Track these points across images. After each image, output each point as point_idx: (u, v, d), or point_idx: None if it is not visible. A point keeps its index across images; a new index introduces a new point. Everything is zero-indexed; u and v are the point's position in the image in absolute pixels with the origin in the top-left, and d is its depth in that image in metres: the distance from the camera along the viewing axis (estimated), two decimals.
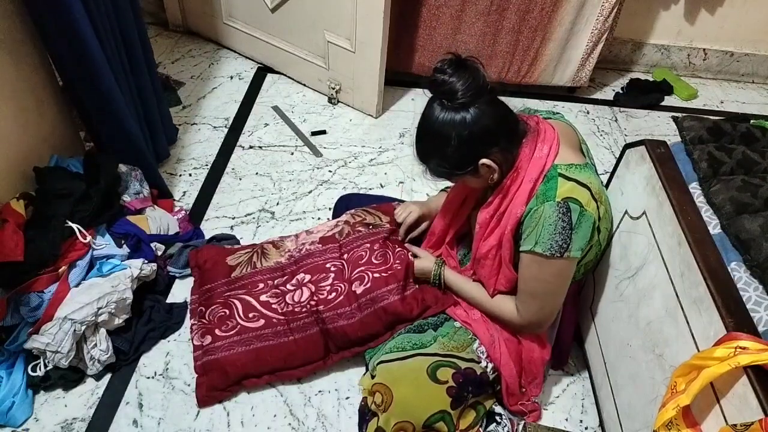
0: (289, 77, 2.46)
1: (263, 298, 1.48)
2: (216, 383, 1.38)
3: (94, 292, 1.36)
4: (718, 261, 1.01)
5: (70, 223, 1.41)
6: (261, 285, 1.51)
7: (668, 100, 2.65)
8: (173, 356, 1.47)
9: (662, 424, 0.91)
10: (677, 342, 1.04)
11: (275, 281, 1.51)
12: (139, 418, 1.34)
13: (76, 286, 1.39)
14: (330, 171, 2.06)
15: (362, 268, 1.44)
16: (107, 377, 1.41)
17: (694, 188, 1.20)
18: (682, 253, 1.06)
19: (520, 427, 1.34)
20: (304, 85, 2.43)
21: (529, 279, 1.19)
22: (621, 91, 2.63)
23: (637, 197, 1.26)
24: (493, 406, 1.35)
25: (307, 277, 1.48)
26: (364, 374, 1.38)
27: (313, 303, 1.41)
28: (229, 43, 2.56)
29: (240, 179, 1.98)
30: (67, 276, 1.38)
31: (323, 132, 2.21)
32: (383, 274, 1.40)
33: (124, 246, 1.52)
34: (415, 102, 2.38)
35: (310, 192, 1.97)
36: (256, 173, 2.01)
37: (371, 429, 1.23)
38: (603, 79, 2.72)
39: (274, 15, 2.27)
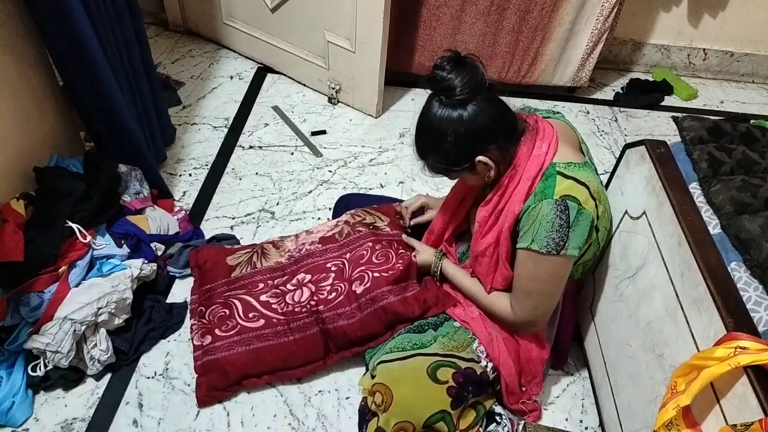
0: (289, 77, 2.46)
1: (263, 298, 1.48)
2: (216, 383, 1.38)
3: (94, 292, 1.36)
4: (718, 261, 1.01)
5: (70, 223, 1.41)
6: (261, 285, 1.51)
7: (668, 100, 2.65)
8: (173, 356, 1.47)
9: (662, 424, 0.91)
10: (677, 342, 1.04)
11: (275, 281, 1.51)
12: (139, 418, 1.34)
13: (76, 286, 1.39)
14: (330, 171, 2.06)
15: (363, 267, 1.44)
16: (107, 377, 1.41)
17: (694, 188, 1.20)
18: (682, 253, 1.06)
19: (520, 427, 1.34)
20: (304, 85, 2.43)
21: (525, 277, 1.19)
22: (621, 91, 2.63)
23: (637, 197, 1.26)
24: (493, 406, 1.35)
25: (308, 276, 1.48)
26: (364, 374, 1.38)
27: (313, 303, 1.41)
28: (229, 43, 2.56)
29: (240, 179, 1.98)
30: (67, 276, 1.38)
31: (323, 132, 2.21)
32: (384, 274, 1.40)
33: (124, 246, 1.52)
34: (415, 102, 2.38)
35: (310, 192, 1.97)
36: (256, 173, 2.01)
37: (371, 429, 1.22)
38: (603, 79, 2.72)
39: (274, 15, 2.27)
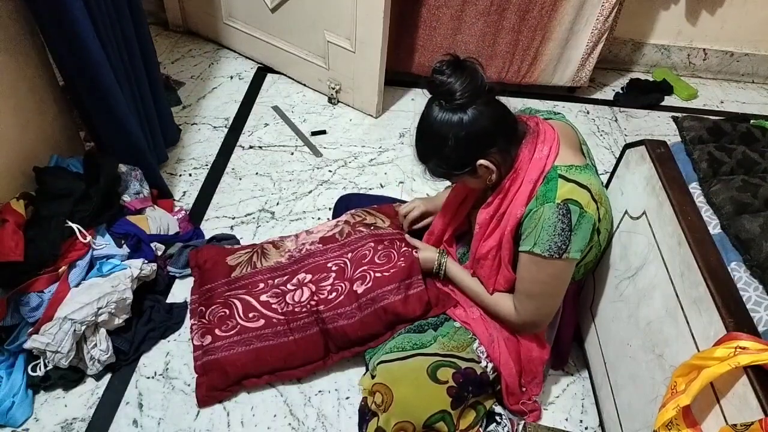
0: (289, 77, 2.46)
1: (263, 298, 1.48)
2: (216, 383, 1.38)
3: (94, 292, 1.36)
4: (718, 261, 1.01)
5: (70, 223, 1.41)
6: (261, 285, 1.51)
7: (668, 100, 2.65)
8: (173, 356, 1.47)
9: (662, 424, 0.91)
10: (677, 342, 1.04)
11: (275, 281, 1.51)
12: (139, 418, 1.34)
13: (76, 286, 1.39)
14: (330, 171, 2.06)
15: (365, 267, 1.43)
16: (107, 377, 1.41)
17: (694, 188, 1.20)
18: (682, 253, 1.06)
19: (520, 427, 1.34)
20: (304, 85, 2.43)
21: (527, 279, 1.19)
22: (621, 91, 2.63)
23: (637, 197, 1.26)
24: (493, 406, 1.35)
25: (308, 276, 1.48)
26: (364, 374, 1.38)
27: (313, 303, 1.41)
28: (229, 43, 2.56)
29: (240, 179, 1.98)
30: (67, 276, 1.38)
31: (323, 132, 2.21)
32: (385, 274, 1.40)
33: (124, 246, 1.52)
34: (415, 102, 2.38)
35: (310, 192, 1.97)
36: (256, 173, 2.01)
37: (371, 429, 1.23)
38: (603, 79, 2.72)
39: (274, 15, 2.27)
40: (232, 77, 2.44)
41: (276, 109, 2.30)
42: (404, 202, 1.69)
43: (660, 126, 2.47)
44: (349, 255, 1.49)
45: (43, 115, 1.55)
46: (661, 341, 1.10)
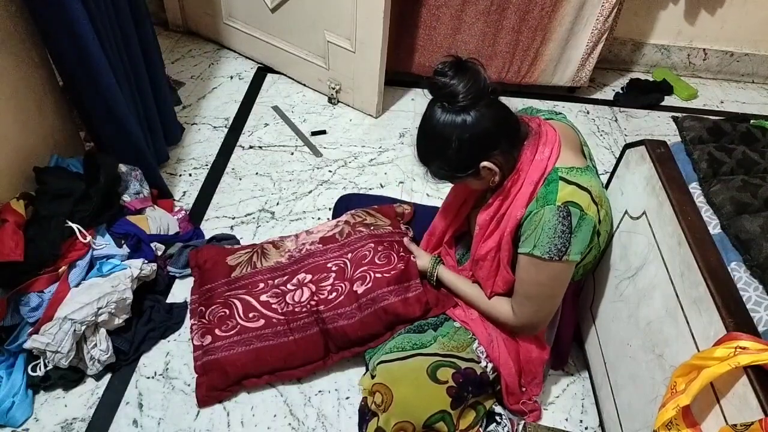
0: (289, 77, 2.46)
1: (263, 298, 1.48)
2: (216, 383, 1.38)
3: (94, 292, 1.36)
4: (718, 261, 1.01)
5: (70, 223, 1.41)
6: (261, 285, 1.51)
7: (668, 100, 2.65)
8: (173, 356, 1.47)
9: (662, 424, 0.91)
10: (677, 342, 1.04)
11: (275, 281, 1.51)
12: (139, 418, 1.34)
13: (76, 286, 1.39)
14: (330, 171, 2.06)
15: (365, 267, 1.43)
16: (107, 377, 1.41)
17: (694, 188, 1.20)
18: (682, 253, 1.06)
19: (520, 427, 1.34)
20: (304, 85, 2.43)
21: (526, 281, 1.19)
22: (621, 91, 2.63)
23: (637, 197, 1.26)
24: (493, 406, 1.35)
25: (308, 276, 1.48)
26: (364, 374, 1.38)
27: (313, 303, 1.41)
28: (229, 43, 2.56)
29: (240, 179, 1.98)
30: (67, 276, 1.39)
31: (323, 132, 2.21)
32: (385, 275, 1.40)
33: (124, 246, 1.52)
34: (415, 102, 2.38)
35: (310, 192, 1.97)
36: (256, 173, 2.01)
37: (371, 429, 1.23)
38: (603, 79, 2.72)
39: (274, 15, 2.27)
40: (232, 77, 2.44)
41: (276, 109, 2.30)
42: (405, 202, 1.69)
43: (660, 126, 2.47)
44: (349, 255, 1.49)
45: (43, 115, 1.55)
46: (661, 341, 1.10)
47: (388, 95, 2.35)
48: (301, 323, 1.41)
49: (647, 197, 1.21)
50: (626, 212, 1.30)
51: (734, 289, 0.97)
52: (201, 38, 2.63)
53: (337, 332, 1.38)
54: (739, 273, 1.00)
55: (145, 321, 1.48)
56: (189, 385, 1.41)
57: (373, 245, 1.48)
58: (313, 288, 1.45)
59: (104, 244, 1.48)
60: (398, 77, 2.39)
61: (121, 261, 1.48)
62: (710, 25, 2.62)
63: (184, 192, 1.91)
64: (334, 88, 2.31)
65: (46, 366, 1.34)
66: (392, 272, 1.40)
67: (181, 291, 1.61)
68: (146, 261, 1.50)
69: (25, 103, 1.47)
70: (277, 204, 1.91)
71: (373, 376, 1.27)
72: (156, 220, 1.64)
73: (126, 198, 1.63)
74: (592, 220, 1.13)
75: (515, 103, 1.21)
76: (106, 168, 1.54)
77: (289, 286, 1.48)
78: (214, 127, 2.18)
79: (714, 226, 1.11)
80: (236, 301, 1.48)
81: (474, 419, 1.29)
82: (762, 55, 2.74)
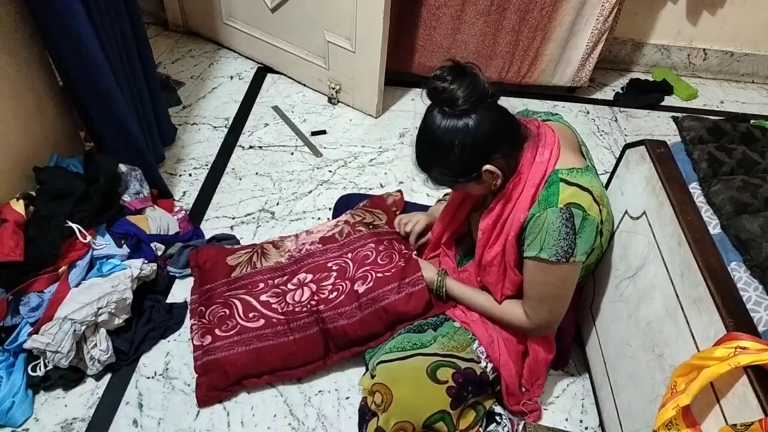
0: (289, 77, 2.46)
1: (263, 297, 1.48)
2: (216, 383, 1.38)
3: (94, 292, 1.36)
4: (718, 261, 1.01)
5: (70, 223, 1.41)
6: (261, 285, 1.51)
7: (668, 100, 2.65)
8: (173, 356, 1.47)
9: (662, 423, 0.91)
10: (677, 342, 1.04)
11: (275, 281, 1.51)
12: (139, 418, 1.34)
13: (76, 286, 1.39)
14: (330, 171, 2.06)
15: (367, 267, 1.43)
16: (107, 377, 1.41)
17: (694, 188, 1.20)
18: (682, 253, 1.06)
19: (520, 427, 1.34)
20: (304, 85, 2.43)
21: (536, 284, 1.19)
22: (621, 91, 2.63)
23: (637, 197, 1.26)
24: (493, 406, 1.35)
25: (309, 276, 1.48)
26: (364, 374, 1.38)
27: (313, 303, 1.41)
28: (229, 43, 2.56)
29: (240, 179, 1.98)
30: (67, 276, 1.39)
31: (323, 132, 2.21)
32: (386, 274, 1.40)
33: (124, 246, 1.52)
34: (415, 102, 2.38)
35: (310, 192, 1.97)
36: (256, 173, 2.01)
37: (371, 429, 1.22)
38: (603, 79, 2.72)
39: (274, 15, 2.27)
40: (232, 77, 2.44)
41: (276, 109, 2.30)
42: (391, 193, 1.69)
43: (660, 126, 2.47)
44: (350, 255, 1.49)
45: (43, 115, 1.55)
46: (661, 341, 1.10)
47: (388, 95, 2.35)
48: (301, 323, 1.41)
49: (647, 197, 1.21)
50: (626, 212, 1.30)
51: (734, 289, 0.97)
52: (201, 38, 2.63)
53: (337, 332, 1.38)
54: (739, 273, 1.00)
55: (145, 321, 1.48)
56: (189, 385, 1.41)
57: (374, 245, 1.48)
58: (314, 288, 1.45)
59: (104, 244, 1.48)
60: (398, 77, 2.39)
61: (121, 261, 1.48)
62: (710, 25, 2.63)
63: (184, 192, 1.91)
64: (334, 88, 2.31)
65: (46, 366, 1.34)
66: (393, 270, 1.40)
67: (181, 291, 1.61)
68: (146, 261, 1.50)
69: (25, 103, 1.47)
70: (277, 204, 1.91)
71: (373, 376, 1.27)
72: (156, 220, 1.64)
73: (126, 198, 1.63)
74: (594, 220, 1.13)
75: (515, 104, 1.21)
76: (106, 168, 1.54)
77: (289, 285, 1.48)
78: (214, 127, 2.18)
79: (714, 226, 1.11)
80: (236, 301, 1.48)
81: (474, 419, 1.29)
82: (762, 55, 2.74)
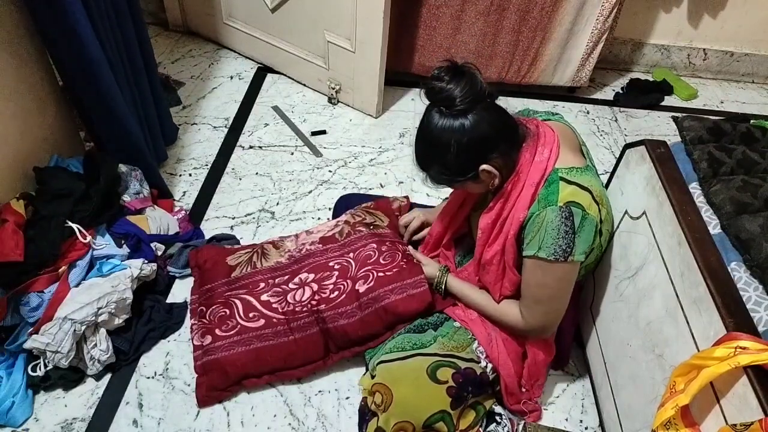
0: (289, 77, 2.46)
1: (264, 297, 1.48)
2: (216, 383, 1.38)
3: (94, 292, 1.36)
4: (718, 261, 1.01)
5: (70, 223, 1.41)
6: (262, 284, 1.51)
7: (668, 100, 2.65)
8: (173, 356, 1.47)
9: (661, 423, 0.91)
10: (677, 342, 1.04)
11: (276, 280, 1.51)
12: (139, 418, 1.34)
13: (76, 286, 1.39)
14: (330, 171, 2.06)
15: (369, 267, 1.43)
16: (107, 377, 1.41)
17: (694, 188, 1.20)
18: (682, 253, 1.06)
19: (520, 427, 1.34)
20: (304, 85, 2.43)
21: (533, 284, 1.19)
22: (621, 91, 2.63)
23: (637, 197, 1.26)
24: (493, 406, 1.35)
25: (311, 276, 1.48)
26: (364, 374, 1.38)
27: (314, 302, 1.41)
28: (229, 43, 2.56)
29: (240, 179, 1.98)
30: (67, 276, 1.38)
31: (323, 132, 2.21)
32: (388, 273, 1.40)
33: (124, 246, 1.52)
34: (415, 102, 2.38)
35: (310, 192, 1.97)
36: (256, 173, 2.01)
37: (371, 429, 1.22)
38: (603, 79, 2.72)
39: (274, 15, 2.27)
40: (232, 77, 2.44)
41: (276, 109, 2.30)
42: (398, 197, 1.70)
43: (660, 126, 2.47)
44: (351, 255, 1.49)
45: (43, 115, 1.55)
46: (661, 341, 1.10)
47: (388, 95, 2.35)
48: (301, 323, 1.41)
49: (647, 197, 1.21)
50: (626, 212, 1.30)
51: (734, 289, 0.97)
52: (201, 38, 2.63)
53: (338, 332, 1.38)
54: (739, 273, 1.00)
55: (145, 321, 1.48)
56: (189, 385, 1.41)
57: (375, 245, 1.48)
58: (315, 287, 1.45)
59: (104, 244, 1.48)
60: (398, 77, 2.39)
61: (121, 261, 1.48)
62: (710, 25, 2.62)
63: (184, 192, 1.91)
64: (334, 88, 2.31)
65: (46, 366, 1.34)
66: (395, 270, 1.40)
67: (181, 291, 1.61)
68: (146, 261, 1.50)
69: (25, 103, 1.47)
70: (277, 204, 1.91)
71: (373, 376, 1.27)
72: (156, 220, 1.64)
73: (126, 198, 1.63)
74: (594, 219, 1.13)
75: (515, 104, 1.21)
76: (106, 168, 1.54)
77: (290, 285, 1.48)
78: (214, 127, 2.18)
79: (714, 226, 1.11)
80: (237, 301, 1.48)
81: (474, 419, 1.29)
82: (762, 55, 2.74)
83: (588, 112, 2.50)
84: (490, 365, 1.30)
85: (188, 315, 1.55)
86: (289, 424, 1.36)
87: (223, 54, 2.57)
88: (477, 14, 2.21)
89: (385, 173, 2.07)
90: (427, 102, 1.13)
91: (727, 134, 1.33)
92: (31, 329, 1.31)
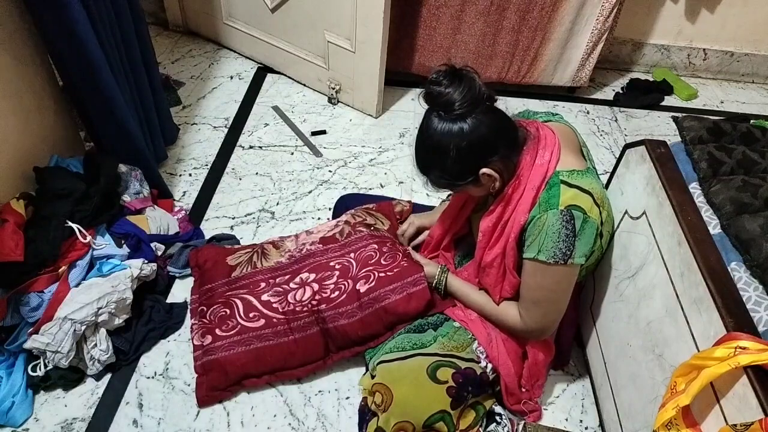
0: (289, 77, 2.46)
1: (264, 297, 1.48)
2: (216, 383, 1.38)
3: (94, 292, 1.36)
4: (718, 261, 1.01)
5: (70, 223, 1.41)
6: (263, 284, 1.51)
7: (668, 100, 2.65)
8: (173, 356, 1.47)
9: (662, 424, 0.91)
10: (677, 342, 1.04)
11: (277, 279, 1.51)
12: (139, 418, 1.34)
13: (76, 286, 1.39)
14: (330, 171, 2.06)
15: (370, 267, 1.43)
16: (107, 377, 1.41)
17: (694, 188, 1.20)
18: (682, 253, 1.06)
19: (520, 427, 1.34)
20: (304, 85, 2.43)
21: (533, 286, 1.19)
22: (621, 91, 2.63)
23: (637, 197, 1.26)
24: (493, 406, 1.35)
25: (311, 276, 1.48)
26: (364, 374, 1.38)
27: (315, 302, 1.41)
28: (229, 43, 2.56)
29: (240, 179, 1.98)
30: (67, 276, 1.38)
31: (323, 132, 2.21)
32: (389, 273, 1.40)
33: (124, 246, 1.52)
34: (415, 102, 2.38)
35: (310, 192, 1.97)
36: (256, 173, 2.01)
37: (371, 429, 1.22)
38: (603, 79, 2.72)
39: (274, 15, 2.27)
40: (232, 77, 2.44)
41: (276, 109, 2.30)
42: (401, 201, 1.70)
43: (660, 126, 2.47)
44: (352, 255, 1.49)
45: (43, 115, 1.55)
46: (661, 341, 1.10)
47: (388, 95, 2.35)
48: (301, 323, 1.41)
49: (647, 197, 1.21)
50: (626, 212, 1.30)
51: (734, 289, 0.97)
52: (201, 38, 2.63)
53: (338, 331, 1.38)
54: (739, 273, 1.00)
55: (145, 321, 1.48)
56: (189, 385, 1.41)
57: (376, 246, 1.48)
58: (316, 287, 1.45)
59: (104, 244, 1.48)
60: (398, 77, 2.39)
61: (121, 261, 1.48)
62: (710, 25, 2.63)
63: (184, 192, 1.91)
64: (334, 88, 2.31)
65: (46, 366, 1.34)
66: (396, 270, 1.40)
67: (181, 291, 1.61)
68: (146, 261, 1.50)
69: (25, 103, 1.47)
70: (277, 204, 1.91)
71: (373, 376, 1.27)
72: (156, 220, 1.64)
73: (126, 198, 1.63)
74: (594, 222, 1.13)
75: (515, 104, 1.21)
76: (106, 168, 1.54)
77: (291, 285, 1.48)
78: (214, 127, 2.18)
79: (714, 226, 1.11)
80: (237, 301, 1.48)
81: (474, 419, 1.29)
82: (762, 55, 2.74)
83: (588, 112, 2.50)
84: (490, 365, 1.30)
85: (188, 315, 1.54)
86: (289, 424, 1.36)
87: (223, 54, 2.57)
88: (477, 14, 2.21)
89: (385, 173, 2.07)
90: (426, 106, 1.12)
91: (727, 134, 1.33)
92: (31, 329, 1.31)
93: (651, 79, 2.72)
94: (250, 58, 2.54)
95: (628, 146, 1.33)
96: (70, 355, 1.32)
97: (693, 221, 1.08)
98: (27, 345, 1.30)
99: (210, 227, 1.80)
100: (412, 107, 2.37)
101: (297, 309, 1.42)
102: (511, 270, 1.22)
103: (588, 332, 1.49)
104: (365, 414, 1.28)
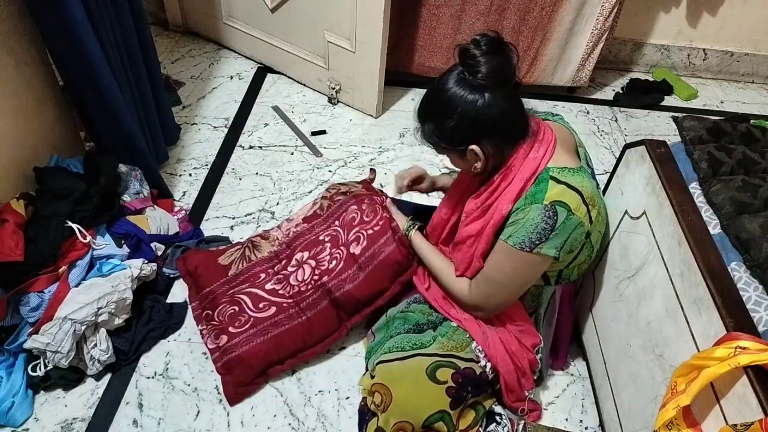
0: (289, 77, 2.46)
1: (269, 286, 1.50)
2: (242, 378, 1.39)
3: (94, 292, 1.36)
4: (718, 261, 1.01)
5: (70, 223, 1.41)
6: (263, 275, 1.53)
7: (668, 100, 2.65)
8: (173, 356, 1.47)
9: (662, 424, 0.91)
10: (677, 342, 1.04)
11: (275, 268, 1.54)
12: (139, 418, 1.34)
13: (76, 286, 1.39)
14: (330, 171, 2.06)
15: (356, 229, 1.47)
16: (107, 377, 1.41)
17: (694, 188, 1.20)
18: (682, 253, 1.06)
19: (520, 427, 1.34)
20: (304, 85, 2.43)
21: (492, 264, 1.20)
22: (621, 91, 2.63)
23: (637, 197, 1.26)
24: (493, 406, 1.35)
25: (305, 254, 1.51)
26: (364, 374, 1.38)
27: (316, 277, 1.45)
28: (229, 43, 2.56)
29: (240, 179, 1.98)
30: (67, 276, 1.38)
31: (323, 132, 2.21)
32: (375, 228, 1.43)
33: (124, 246, 1.52)
34: (415, 102, 2.38)
35: (310, 192, 1.97)
36: (256, 173, 2.01)
37: (371, 429, 1.23)
38: (603, 79, 2.72)
39: (274, 15, 2.27)
40: (232, 77, 2.44)
41: (276, 109, 2.30)
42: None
43: (660, 126, 2.47)
44: (337, 223, 1.53)
45: (43, 115, 1.55)
46: (661, 341, 1.10)
47: (388, 95, 2.35)
48: (310, 300, 1.44)
49: (647, 197, 1.21)
50: (626, 212, 1.30)
51: (734, 289, 0.97)
52: (201, 38, 2.63)
53: (345, 297, 1.41)
54: (739, 273, 1.00)
55: (145, 321, 1.48)
56: (189, 385, 1.41)
57: (356, 206, 1.52)
58: (313, 263, 1.48)
59: (104, 244, 1.48)
60: (398, 77, 2.39)
61: (121, 261, 1.48)
62: (710, 25, 2.63)
63: (184, 192, 1.91)
64: (334, 88, 2.31)
65: (46, 366, 1.34)
66: (381, 222, 1.43)
67: (181, 291, 1.61)
68: (146, 261, 1.50)
69: (25, 104, 1.47)
70: (277, 204, 1.91)
71: (372, 376, 1.27)
72: (156, 220, 1.64)
73: (126, 198, 1.63)
74: (578, 220, 1.12)
75: None
76: (106, 168, 1.54)
77: (289, 268, 1.51)
78: (214, 127, 2.18)
79: (714, 226, 1.11)
80: (243, 296, 1.49)
81: (474, 419, 1.29)
82: (762, 55, 2.74)
83: (588, 112, 2.50)
84: (489, 364, 1.30)
85: (188, 316, 1.54)
86: (289, 424, 1.36)
87: (223, 54, 2.57)
88: (477, 14, 2.21)
89: (385, 173, 2.07)
90: (457, 60, 1.11)
91: (727, 134, 1.33)
92: (31, 329, 1.31)
93: (651, 79, 2.72)
94: (250, 58, 2.54)
95: (628, 146, 1.33)
96: (70, 355, 1.32)
97: (693, 221, 1.08)
98: (27, 345, 1.30)
99: (210, 227, 1.80)
100: (412, 107, 2.35)
101: (302, 289, 1.45)
102: (478, 256, 1.23)
103: (588, 332, 1.49)
104: (365, 414, 1.28)
